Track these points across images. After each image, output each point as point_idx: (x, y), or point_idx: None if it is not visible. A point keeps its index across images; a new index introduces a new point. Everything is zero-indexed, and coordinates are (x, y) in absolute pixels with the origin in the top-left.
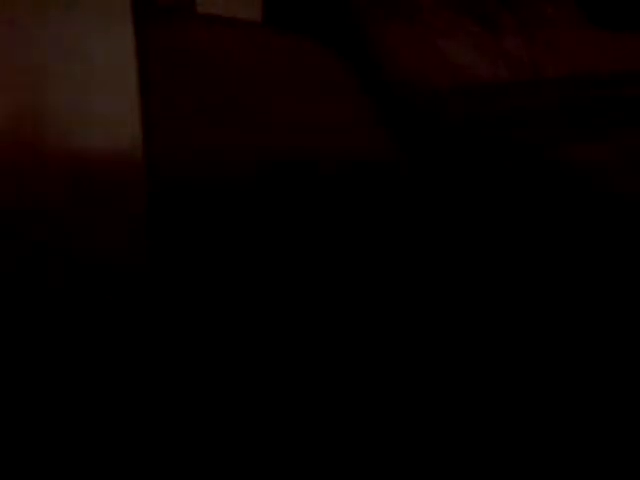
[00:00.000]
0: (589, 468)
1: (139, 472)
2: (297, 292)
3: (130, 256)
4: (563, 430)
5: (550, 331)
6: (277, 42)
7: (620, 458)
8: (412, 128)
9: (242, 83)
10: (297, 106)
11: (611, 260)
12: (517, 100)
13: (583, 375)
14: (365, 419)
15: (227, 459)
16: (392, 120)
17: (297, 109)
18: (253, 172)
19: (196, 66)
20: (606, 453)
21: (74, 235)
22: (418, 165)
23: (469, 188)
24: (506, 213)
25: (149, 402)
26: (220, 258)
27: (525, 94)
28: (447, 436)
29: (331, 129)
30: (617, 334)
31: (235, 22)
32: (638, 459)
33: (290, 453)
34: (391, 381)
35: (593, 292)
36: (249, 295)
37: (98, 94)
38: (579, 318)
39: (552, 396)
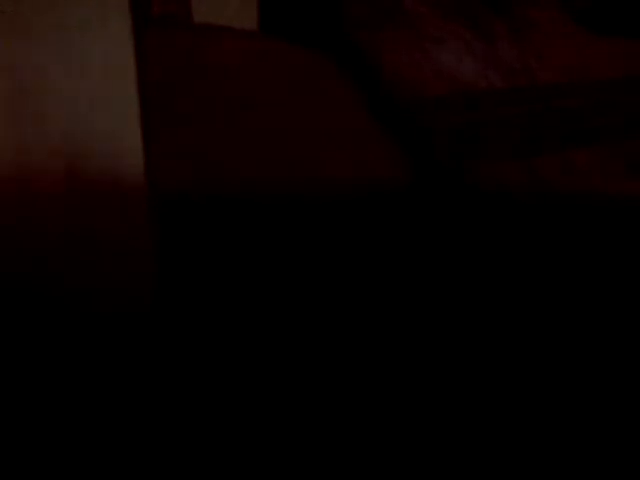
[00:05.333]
0: (589, 468)
1: (139, 472)
2: (299, 299)
3: (131, 267)
4: (563, 430)
5: (545, 333)
6: (274, 50)
7: (620, 458)
8: (406, 132)
9: (241, 94)
10: (296, 116)
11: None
12: (509, 106)
13: (581, 375)
14: (365, 419)
15: (227, 459)
16: (387, 124)
17: (296, 119)
18: (253, 186)
19: (195, 77)
20: (606, 453)
21: (73, 248)
22: (413, 168)
23: (461, 192)
24: (497, 216)
25: (149, 402)
26: (221, 270)
27: (519, 101)
28: (447, 436)
29: (330, 137)
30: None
31: (232, 31)
32: (638, 459)
33: (290, 453)
34: (391, 381)
35: (598, 297)
36: (252, 300)
37: (99, 110)
38: (575, 319)
39: (552, 396)
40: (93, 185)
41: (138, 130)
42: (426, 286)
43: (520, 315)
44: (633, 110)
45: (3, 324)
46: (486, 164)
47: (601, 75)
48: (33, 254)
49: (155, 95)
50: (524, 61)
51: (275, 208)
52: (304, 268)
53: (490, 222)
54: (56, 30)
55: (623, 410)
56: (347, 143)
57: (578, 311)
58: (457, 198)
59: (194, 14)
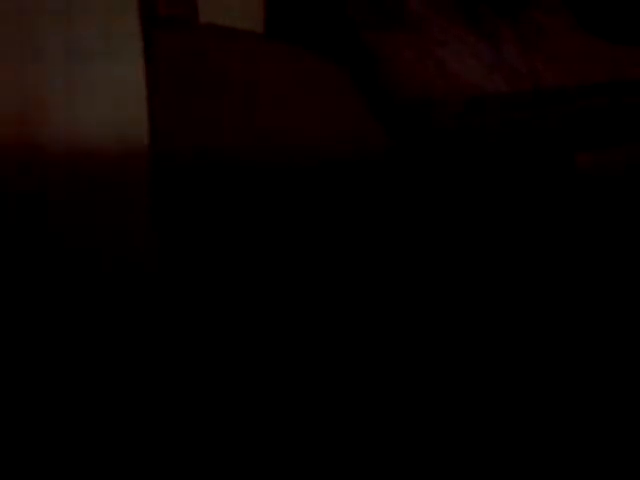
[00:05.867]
0: (589, 468)
1: (139, 472)
2: (294, 284)
3: (132, 244)
4: (563, 430)
5: (549, 330)
6: (278, 52)
7: (620, 458)
8: (408, 136)
9: (244, 92)
10: (294, 105)
11: (613, 264)
12: (515, 111)
13: (583, 375)
14: (365, 419)
15: (227, 459)
16: (389, 125)
17: (294, 108)
18: (253, 164)
19: (200, 78)
20: (606, 453)
21: (74, 225)
22: (411, 168)
23: (461, 193)
24: (504, 216)
25: (149, 402)
26: (219, 249)
27: (523, 105)
28: (447, 436)
29: (329, 124)
30: (616, 335)
31: (237, 32)
32: (638, 459)
33: (290, 453)
34: (391, 381)
35: (590, 292)
36: (248, 292)
37: (102, 92)
38: (578, 318)
39: (552, 396)
40: (95, 163)
41: (146, 131)
42: (417, 271)
43: (515, 309)
44: (637, 114)
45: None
46: (484, 166)
47: (607, 79)
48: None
49: (161, 95)
50: (530, 65)
51: (271, 183)
52: (299, 250)
53: (483, 220)
54: (63, 29)
55: (623, 409)
56: (346, 127)
57: (576, 310)
58: (447, 194)
59: (200, 15)
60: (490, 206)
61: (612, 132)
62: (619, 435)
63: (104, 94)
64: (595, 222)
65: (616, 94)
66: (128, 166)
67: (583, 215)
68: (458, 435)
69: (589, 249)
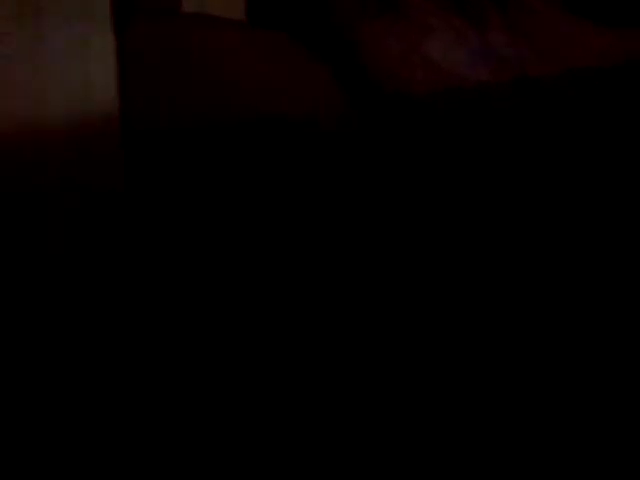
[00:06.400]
0: (589, 468)
1: (139, 472)
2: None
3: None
4: (563, 430)
5: (548, 326)
6: (259, 39)
7: (620, 458)
8: (391, 129)
9: (220, 77)
10: (262, 81)
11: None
12: (499, 101)
13: (583, 375)
14: (365, 419)
15: (227, 459)
16: (371, 120)
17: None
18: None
19: (178, 65)
20: (606, 453)
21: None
22: (391, 159)
23: (442, 185)
24: (487, 208)
25: (149, 402)
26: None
27: (507, 95)
28: (447, 436)
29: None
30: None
31: (219, 20)
32: (638, 459)
33: (290, 453)
34: (391, 379)
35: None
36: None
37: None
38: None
39: (552, 396)
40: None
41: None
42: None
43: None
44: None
45: None
46: (473, 156)
47: (595, 64)
48: None
49: (133, 77)
50: (517, 51)
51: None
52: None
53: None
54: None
55: (623, 409)
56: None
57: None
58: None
59: (183, 3)
60: (471, 195)
61: (599, 121)
62: (619, 435)
63: (73, 57)
64: (589, 218)
65: (603, 81)
66: (100, 127)
67: (573, 207)
68: (458, 435)
69: (583, 245)
